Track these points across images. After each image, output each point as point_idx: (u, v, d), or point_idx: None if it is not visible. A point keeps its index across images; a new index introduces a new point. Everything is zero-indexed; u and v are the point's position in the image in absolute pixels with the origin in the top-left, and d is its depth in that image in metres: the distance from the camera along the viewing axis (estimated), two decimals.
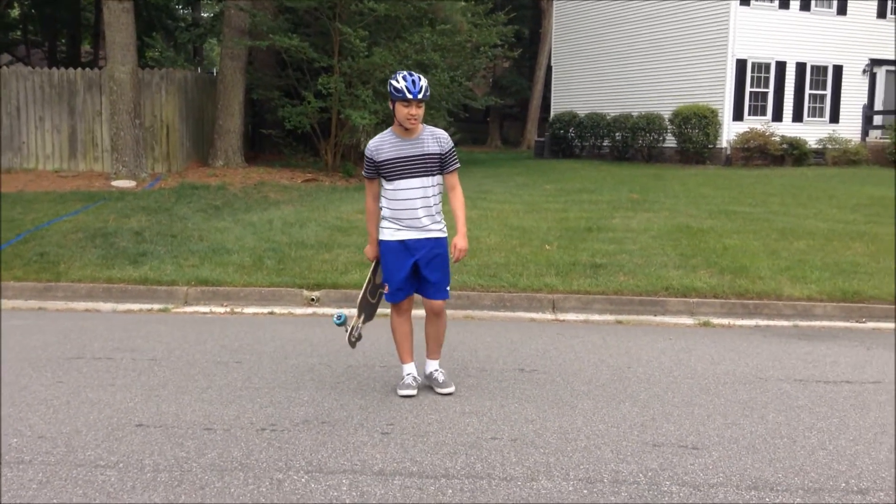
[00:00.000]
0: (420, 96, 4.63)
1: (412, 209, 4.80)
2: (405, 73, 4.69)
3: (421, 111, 4.71)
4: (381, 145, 4.81)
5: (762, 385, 5.32)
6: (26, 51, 32.10)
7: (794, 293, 7.84)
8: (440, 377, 5.08)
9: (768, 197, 13.85)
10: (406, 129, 4.75)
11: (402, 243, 4.85)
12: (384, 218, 4.90)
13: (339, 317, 4.95)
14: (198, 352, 5.99)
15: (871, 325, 7.41)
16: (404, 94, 4.61)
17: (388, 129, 4.90)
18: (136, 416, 4.54)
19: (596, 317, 7.59)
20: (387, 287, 4.96)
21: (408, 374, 5.05)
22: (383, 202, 4.90)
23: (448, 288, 4.98)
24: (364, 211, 5.27)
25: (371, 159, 4.84)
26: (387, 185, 4.84)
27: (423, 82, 4.67)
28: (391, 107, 4.74)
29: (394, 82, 4.65)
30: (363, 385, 5.18)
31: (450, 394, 4.97)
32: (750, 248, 9.55)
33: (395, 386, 5.07)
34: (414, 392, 4.95)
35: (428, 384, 5.11)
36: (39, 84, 15.62)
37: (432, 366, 5.14)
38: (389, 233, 4.87)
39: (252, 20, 16.31)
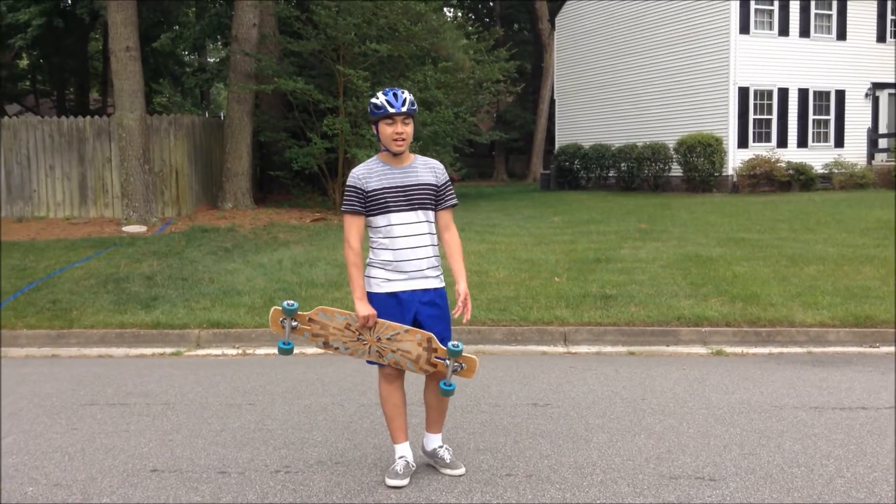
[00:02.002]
0: (404, 109, 3.96)
1: (408, 248, 4.02)
2: (385, 89, 4.07)
3: (409, 129, 4.02)
4: (370, 174, 4.04)
5: (778, 413, 5.29)
6: (35, 100, 32.59)
7: (806, 319, 7.81)
8: (446, 456, 4.28)
9: (776, 223, 13.85)
10: (394, 155, 4.04)
11: (395, 297, 4.04)
12: (370, 265, 4.11)
13: (457, 345, 4.04)
14: (211, 395, 6.00)
15: (884, 349, 7.37)
16: (385, 108, 3.95)
17: (374, 158, 4.14)
18: (151, 462, 4.54)
19: (608, 348, 7.57)
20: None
21: (400, 458, 4.18)
22: (371, 244, 4.12)
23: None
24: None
25: (358, 188, 4.02)
26: (375, 223, 4.05)
27: (407, 95, 4.00)
28: (374, 131, 4.05)
29: (373, 100, 4.01)
30: (376, 424, 5.17)
31: (460, 475, 4.23)
32: (760, 274, 9.53)
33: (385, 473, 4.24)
34: (405, 482, 4.09)
35: (430, 463, 4.36)
36: (49, 133, 15.82)
37: (435, 441, 4.33)
38: (377, 284, 4.06)
39: (257, 65, 16.55)
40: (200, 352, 7.78)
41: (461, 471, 4.27)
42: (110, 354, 7.78)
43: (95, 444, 4.88)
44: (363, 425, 5.16)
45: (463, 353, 4.04)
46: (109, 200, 15.80)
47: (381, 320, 4.04)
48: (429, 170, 4.13)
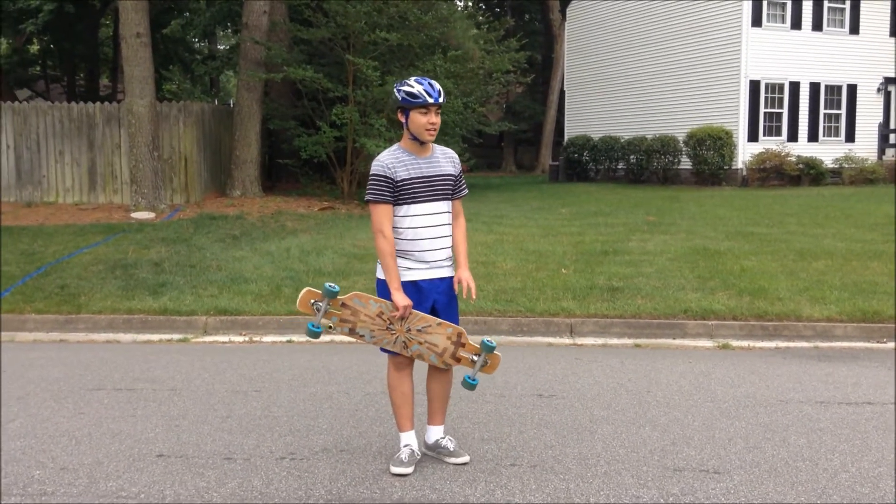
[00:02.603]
0: (441, 100, 4.03)
1: (431, 238, 4.05)
2: (416, 77, 4.08)
3: (439, 119, 4.07)
4: (397, 163, 4.02)
5: (783, 408, 5.28)
6: (45, 86, 32.63)
7: (813, 314, 7.79)
8: (450, 445, 4.29)
9: (785, 217, 13.80)
10: (421, 144, 4.07)
11: (415, 285, 4.06)
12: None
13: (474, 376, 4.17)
14: (217, 381, 6.02)
15: (891, 345, 7.34)
16: (424, 98, 3.93)
17: (396, 146, 4.14)
18: (157, 447, 4.56)
19: (614, 340, 7.57)
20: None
21: (405, 447, 4.20)
22: (396, 233, 4.08)
23: None
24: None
25: (387, 178, 3.98)
26: (400, 212, 4.03)
27: (439, 85, 4.04)
28: (403, 119, 4.03)
29: (407, 88, 3.97)
30: (381, 412, 5.18)
31: (464, 464, 4.23)
32: (768, 269, 9.50)
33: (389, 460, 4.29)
34: (409, 470, 4.10)
35: (433, 455, 4.33)
36: (59, 118, 15.86)
37: (437, 433, 4.32)
38: (400, 274, 4.05)
39: (267, 53, 16.54)
40: (207, 338, 7.80)
41: (465, 458, 4.27)
42: (118, 340, 7.81)
43: (102, 428, 4.91)
44: (368, 413, 5.17)
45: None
46: (118, 186, 15.84)
47: (415, 311, 4.04)
48: (448, 160, 4.18)
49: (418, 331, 4.07)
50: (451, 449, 4.29)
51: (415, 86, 3.97)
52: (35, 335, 8.00)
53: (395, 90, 4.03)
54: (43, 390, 5.78)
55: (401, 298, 3.98)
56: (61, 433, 4.82)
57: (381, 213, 4.01)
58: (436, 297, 4.12)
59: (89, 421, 5.05)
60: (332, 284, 4.07)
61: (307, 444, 4.59)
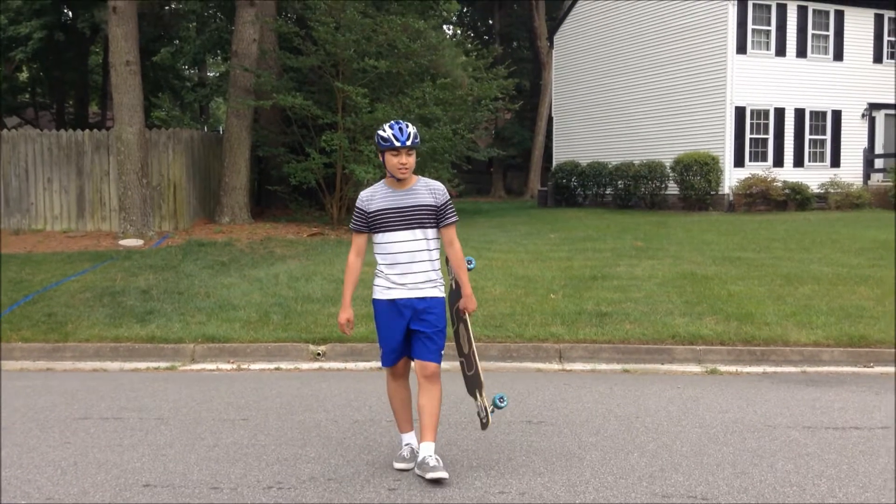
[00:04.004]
0: (408, 143, 4.42)
1: (400, 264, 4.48)
2: (392, 122, 4.55)
3: (411, 160, 4.48)
4: (373, 196, 4.55)
5: (771, 433, 5.30)
6: (35, 113, 32.62)
7: (800, 339, 7.83)
8: (431, 461, 4.41)
9: (772, 242, 13.89)
10: (398, 180, 4.51)
11: (393, 303, 4.51)
12: (377, 275, 4.59)
13: (502, 399, 4.57)
14: (204, 409, 6.00)
15: (878, 369, 7.38)
16: (392, 142, 4.41)
17: (381, 181, 4.65)
18: (144, 477, 4.53)
19: (603, 366, 7.58)
20: (382, 351, 4.64)
21: (406, 445, 4.68)
22: (375, 258, 4.57)
23: (441, 353, 4.53)
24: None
25: (362, 210, 4.56)
26: (376, 239, 4.55)
27: (411, 129, 4.47)
28: (381, 158, 4.52)
29: (380, 132, 4.47)
30: (370, 441, 5.17)
31: (439, 479, 4.34)
32: (755, 294, 9.55)
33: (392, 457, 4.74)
34: (410, 465, 4.57)
35: (419, 473, 4.46)
36: (48, 146, 15.85)
37: (427, 449, 4.46)
38: (380, 291, 4.55)
39: (257, 80, 16.61)
40: (195, 366, 7.77)
41: (442, 475, 4.36)
42: (105, 368, 7.77)
43: (88, 458, 4.87)
44: (357, 442, 5.16)
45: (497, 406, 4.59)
46: (107, 214, 15.81)
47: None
48: (429, 191, 4.55)
49: None
50: (430, 465, 4.40)
51: (387, 131, 4.46)
52: (22, 363, 7.94)
53: (375, 133, 4.53)
54: (29, 419, 5.74)
55: (340, 315, 4.65)
56: (47, 463, 4.78)
57: (353, 239, 4.67)
58: (412, 315, 4.50)
59: (75, 451, 5.02)
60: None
61: (295, 473, 4.57)
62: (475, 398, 4.72)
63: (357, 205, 4.60)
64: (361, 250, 4.64)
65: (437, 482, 4.34)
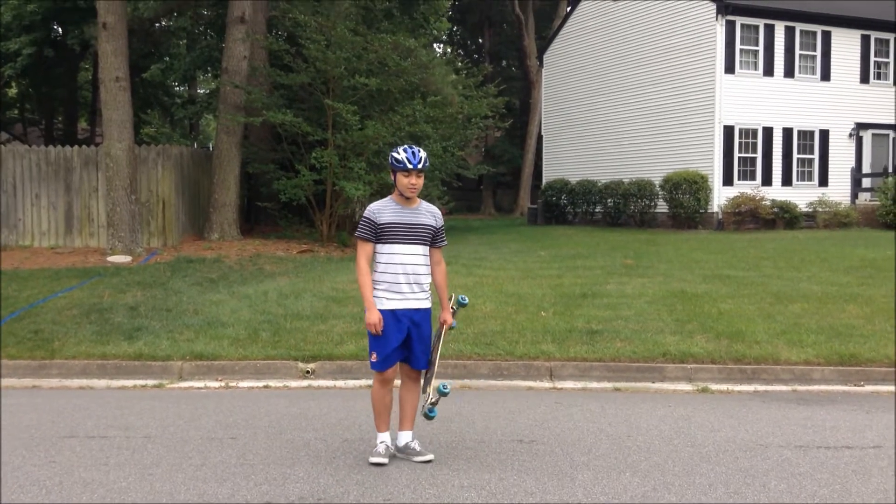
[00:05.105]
0: (420, 166, 4.94)
1: (405, 274, 4.96)
2: (405, 146, 5.06)
3: (420, 181, 5.01)
4: (383, 209, 5.02)
5: (763, 452, 5.28)
6: (23, 129, 32.55)
7: (791, 357, 7.83)
8: (416, 446, 5.11)
9: (761, 260, 13.92)
10: (406, 199, 5.01)
11: (393, 313, 4.96)
12: (375, 286, 5.01)
13: (445, 386, 4.98)
14: (192, 428, 5.93)
15: (869, 388, 7.39)
16: (405, 164, 4.92)
17: (388, 198, 5.13)
18: (130, 496, 4.47)
19: (594, 384, 7.55)
20: (374, 356, 4.98)
21: (381, 443, 5.08)
22: (376, 268, 5.01)
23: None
24: (356, 280, 5.25)
25: (371, 220, 4.99)
26: (382, 250, 4.99)
27: (423, 154, 4.99)
28: (392, 177, 5.03)
29: (395, 154, 4.98)
30: (359, 460, 5.12)
31: (429, 461, 4.99)
32: (745, 312, 9.55)
33: (368, 455, 5.09)
34: (386, 461, 4.98)
35: (403, 457, 5.09)
36: (36, 162, 15.77)
37: (407, 437, 5.15)
38: (379, 301, 4.97)
39: (247, 97, 16.61)
40: (183, 384, 7.70)
41: (430, 456, 5.03)
42: (91, 386, 7.69)
43: (73, 477, 4.80)
44: (346, 461, 5.11)
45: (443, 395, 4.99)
46: (95, 230, 15.71)
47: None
48: (430, 215, 5.12)
49: None
50: (417, 450, 5.08)
51: (401, 154, 4.97)
52: (7, 381, 7.84)
53: (390, 154, 5.04)
54: (14, 438, 5.66)
55: (372, 315, 4.91)
56: (31, 482, 4.71)
57: (361, 247, 5.05)
58: (410, 326, 4.98)
59: (60, 469, 4.95)
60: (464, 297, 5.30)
61: (283, 493, 4.52)
62: (424, 392, 5.14)
63: (366, 215, 5.03)
64: (370, 257, 5.04)
65: (426, 464, 4.95)
